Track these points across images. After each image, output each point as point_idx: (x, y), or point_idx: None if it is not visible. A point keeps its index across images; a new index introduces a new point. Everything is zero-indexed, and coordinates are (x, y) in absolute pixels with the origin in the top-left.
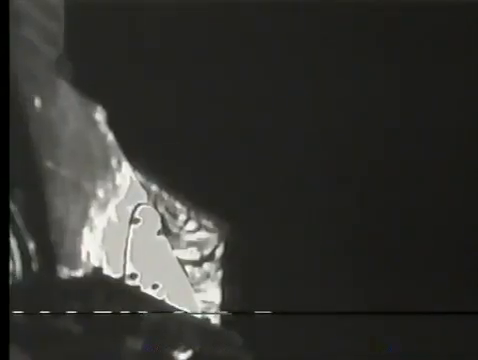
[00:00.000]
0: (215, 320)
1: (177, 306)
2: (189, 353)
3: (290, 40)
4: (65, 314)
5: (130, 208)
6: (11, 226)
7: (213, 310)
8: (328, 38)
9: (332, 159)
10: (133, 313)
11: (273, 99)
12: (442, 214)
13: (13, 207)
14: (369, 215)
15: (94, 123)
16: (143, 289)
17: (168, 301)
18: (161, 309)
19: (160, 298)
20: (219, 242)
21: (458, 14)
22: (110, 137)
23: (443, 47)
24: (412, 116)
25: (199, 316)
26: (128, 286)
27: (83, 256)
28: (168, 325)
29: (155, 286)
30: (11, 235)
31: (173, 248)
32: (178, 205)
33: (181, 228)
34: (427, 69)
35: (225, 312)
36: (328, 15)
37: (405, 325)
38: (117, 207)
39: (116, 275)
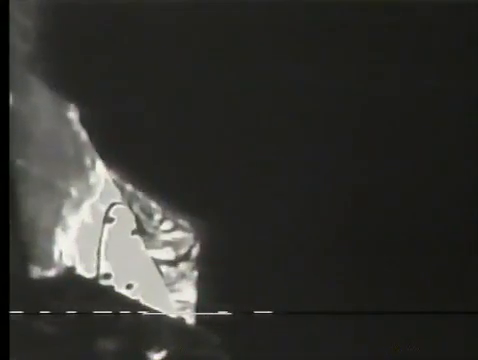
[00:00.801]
0: (191, 320)
1: (152, 306)
2: (164, 353)
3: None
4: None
5: (104, 207)
6: None
7: (188, 310)
8: (328, 38)
9: (321, 160)
10: (106, 313)
11: (254, 95)
12: (442, 214)
13: None
14: (358, 214)
15: (67, 121)
16: (117, 289)
17: (143, 301)
18: (135, 309)
19: (134, 298)
20: (195, 242)
21: (458, 14)
22: (83, 136)
23: (443, 47)
24: (412, 116)
25: (174, 316)
26: (102, 286)
27: (56, 256)
28: (143, 325)
29: (129, 286)
30: None
31: (148, 248)
32: (153, 204)
33: (156, 228)
34: (427, 69)
35: (225, 312)
36: (328, 15)
37: (405, 325)
38: (91, 206)
39: (90, 275)
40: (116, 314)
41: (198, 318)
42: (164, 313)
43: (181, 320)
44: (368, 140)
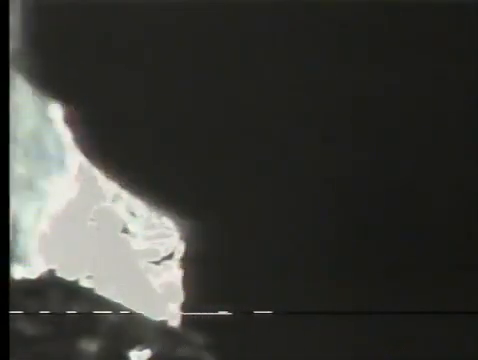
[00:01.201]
0: (174, 321)
1: (135, 307)
2: (147, 354)
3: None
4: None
5: (87, 207)
6: None
7: (174, 311)
8: (328, 38)
9: (320, 160)
10: (89, 314)
11: (239, 93)
12: (442, 214)
13: None
14: (349, 213)
15: (50, 120)
16: (99, 290)
17: (125, 302)
18: (118, 310)
19: (117, 299)
20: (180, 242)
21: (458, 14)
22: (66, 135)
23: (443, 47)
24: (412, 116)
25: (157, 317)
26: (84, 287)
27: (38, 256)
28: (126, 326)
29: (112, 287)
30: None
31: (132, 248)
32: (138, 204)
33: (141, 227)
34: (427, 69)
35: (225, 312)
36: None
37: (405, 325)
38: (74, 206)
39: (71, 276)
40: (116, 314)
41: (183, 318)
42: (148, 314)
43: (164, 321)
44: (368, 140)
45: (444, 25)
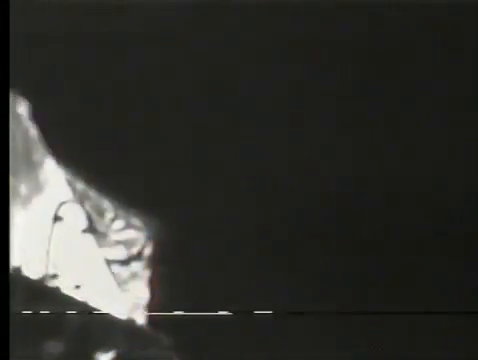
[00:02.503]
0: (141, 320)
1: (102, 306)
2: (113, 354)
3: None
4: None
5: (54, 205)
6: None
7: (140, 310)
8: (328, 38)
9: (319, 159)
10: (52, 313)
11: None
12: (442, 214)
13: None
14: (358, 214)
15: (16, 116)
16: (66, 289)
17: (92, 302)
18: (84, 310)
19: (83, 298)
20: (148, 241)
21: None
22: (33, 131)
23: (443, 47)
24: (411, 116)
25: (124, 317)
26: (49, 286)
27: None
28: (92, 326)
29: (78, 286)
30: None
31: (99, 247)
32: (105, 203)
33: (108, 226)
34: (427, 69)
35: (225, 312)
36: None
37: (405, 325)
38: (40, 204)
39: (37, 275)
40: (82, 314)
41: (150, 318)
42: (115, 313)
43: (132, 321)
44: (368, 140)
45: (444, 25)
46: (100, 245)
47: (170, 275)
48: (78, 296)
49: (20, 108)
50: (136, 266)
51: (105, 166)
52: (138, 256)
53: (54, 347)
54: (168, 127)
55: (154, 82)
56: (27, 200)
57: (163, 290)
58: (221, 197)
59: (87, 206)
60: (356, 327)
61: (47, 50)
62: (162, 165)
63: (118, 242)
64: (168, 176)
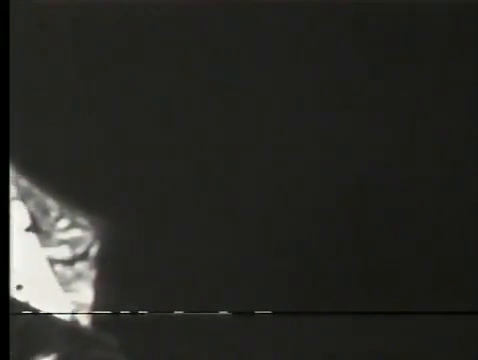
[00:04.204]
0: (86, 321)
1: (45, 307)
2: (56, 356)
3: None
4: None
5: None
6: None
7: (84, 311)
8: (327, 38)
9: (319, 159)
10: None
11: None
12: (442, 214)
13: None
14: (356, 214)
15: None
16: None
17: (34, 302)
18: (26, 310)
19: (25, 299)
20: (93, 240)
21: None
22: None
23: (443, 47)
24: (411, 116)
25: (68, 317)
26: None
27: None
28: (34, 327)
29: (19, 287)
30: None
31: (43, 246)
32: (49, 201)
33: (52, 225)
34: (427, 69)
35: (225, 312)
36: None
37: (405, 325)
38: None
39: None
40: (116, 314)
41: (94, 318)
42: (58, 314)
43: (75, 321)
44: (367, 140)
45: (444, 25)
46: (44, 244)
47: (117, 275)
48: (19, 297)
49: None
50: (81, 266)
51: (49, 162)
52: (83, 256)
53: None
54: (115, 125)
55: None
56: None
57: (109, 290)
58: (168, 197)
59: (30, 204)
60: (357, 327)
61: None
62: (110, 162)
63: (63, 241)
64: (116, 173)
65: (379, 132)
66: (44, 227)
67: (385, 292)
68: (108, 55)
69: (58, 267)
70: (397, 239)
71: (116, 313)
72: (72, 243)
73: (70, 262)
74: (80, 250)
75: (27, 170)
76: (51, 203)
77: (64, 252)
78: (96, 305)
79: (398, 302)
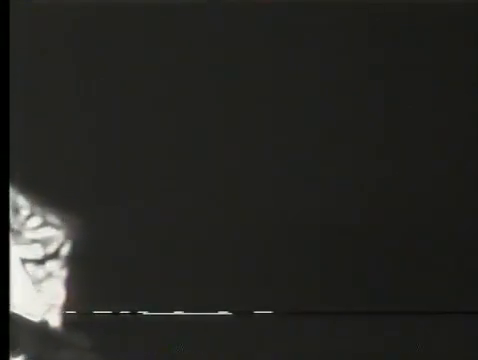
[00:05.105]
0: (56, 321)
1: (15, 307)
2: (25, 357)
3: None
4: None
5: None
6: None
7: (55, 311)
8: (327, 38)
9: (319, 159)
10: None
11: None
12: (442, 214)
13: None
14: (356, 214)
15: None
16: None
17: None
18: None
19: None
20: (65, 240)
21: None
22: None
23: (443, 47)
24: (412, 116)
25: (38, 318)
26: None
27: None
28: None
29: None
30: None
31: (13, 245)
32: (20, 199)
33: (23, 224)
34: (427, 69)
35: (225, 312)
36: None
37: (405, 325)
38: None
39: None
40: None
41: (65, 318)
42: (29, 314)
43: (45, 322)
44: (367, 140)
45: (444, 25)
46: (14, 243)
47: (88, 275)
48: None
49: None
50: (52, 265)
51: (21, 160)
52: (55, 255)
53: None
54: (90, 125)
55: (103, 81)
56: None
57: (81, 290)
58: (142, 196)
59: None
60: (357, 327)
61: None
62: (82, 161)
63: (34, 240)
64: (87, 172)
65: (379, 132)
66: (14, 226)
67: (385, 292)
68: (108, 55)
69: (28, 266)
70: (397, 239)
71: (116, 313)
72: (43, 242)
73: (41, 261)
74: (51, 249)
75: None
76: (21, 202)
77: (35, 251)
78: (67, 305)
79: (398, 302)
